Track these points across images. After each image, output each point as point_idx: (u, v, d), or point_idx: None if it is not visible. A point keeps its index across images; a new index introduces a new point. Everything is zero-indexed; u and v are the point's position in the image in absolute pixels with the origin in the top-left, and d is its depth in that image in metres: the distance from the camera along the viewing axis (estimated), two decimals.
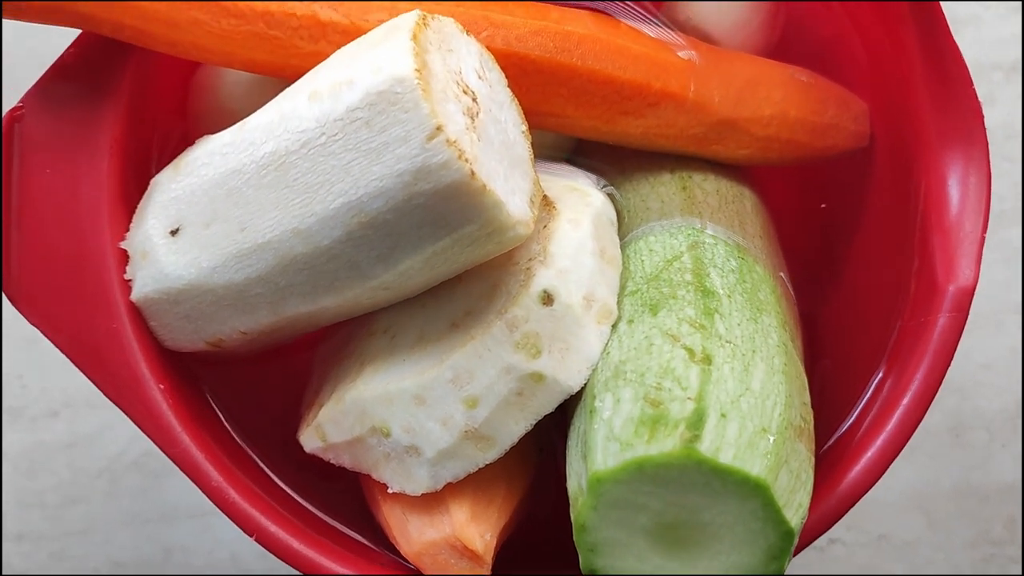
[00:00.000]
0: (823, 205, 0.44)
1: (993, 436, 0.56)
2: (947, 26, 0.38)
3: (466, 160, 0.31)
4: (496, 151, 0.34)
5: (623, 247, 0.39)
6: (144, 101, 0.40)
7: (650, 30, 0.40)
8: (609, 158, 0.42)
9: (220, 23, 0.36)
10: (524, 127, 0.36)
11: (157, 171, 0.39)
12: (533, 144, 0.38)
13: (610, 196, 0.41)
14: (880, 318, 0.40)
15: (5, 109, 0.38)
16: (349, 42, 0.37)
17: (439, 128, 0.30)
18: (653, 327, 0.35)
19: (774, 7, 0.43)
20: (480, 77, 0.34)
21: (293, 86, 0.35)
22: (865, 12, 0.41)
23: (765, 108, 0.41)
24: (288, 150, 0.33)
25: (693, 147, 0.41)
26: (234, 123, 0.40)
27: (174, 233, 0.36)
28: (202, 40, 0.37)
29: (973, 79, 0.62)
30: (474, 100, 0.33)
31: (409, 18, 0.33)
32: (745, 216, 0.41)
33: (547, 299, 0.34)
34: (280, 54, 0.37)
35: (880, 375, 0.37)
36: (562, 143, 0.42)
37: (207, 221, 0.35)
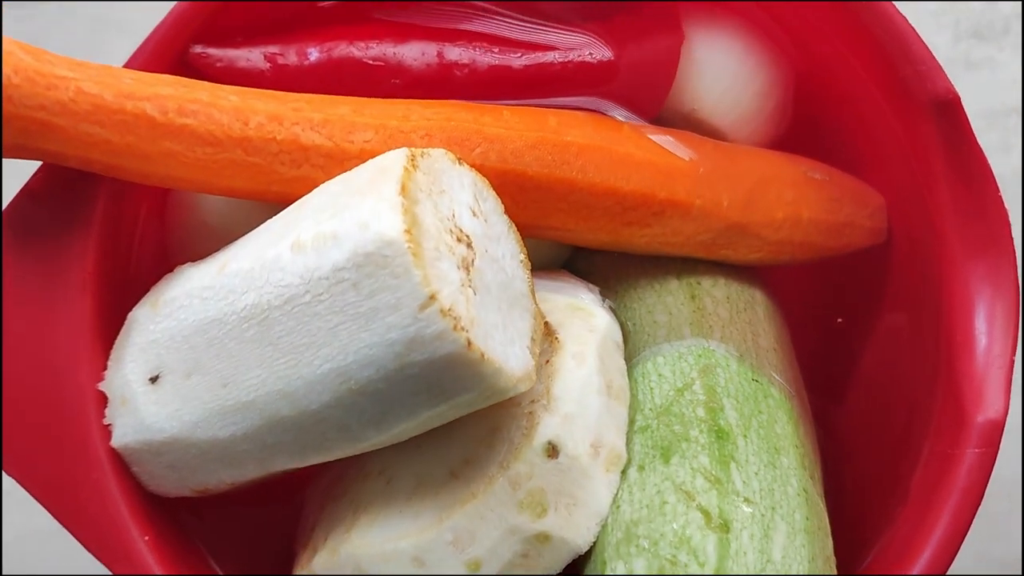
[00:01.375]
0: (839, 320, 0.42)
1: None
2: (970, 127, 0.35)
3: (462, 329, 0.28)
4: (494, 298, 0.31)
5: (631, 368, 0.37)
6: (119, 223, 0.37)
7: (653, 131, 0.38)
8: (612, 264, 0.40)
9: (195, 152, 0.34)
10: (523, 255, 0.34)
11: (136, 296, 0.37)
12: (530, 253, 0.36)
13: (614, 310, 0.39)
14: (900, 429, 0.38)
15: None
16: (333, 165, 0.35)
17: (432, 297, 0.28)
18: (665, 479, 0.33)
19: (784, 95, 0.41)
20: (475, 214, 0.32)
21: (274, 228, 0.32)
22: (882, 104, 0.38)
23: (777, 211, 0.39)
24: (271, 304, 0.31)
25: (701, 252, 0.39)
26: (215, 240, 0.38)
27: (154, 380, 0.34)
28: (176, 171, 0.34)
29: (988, 124, 0.60)
30: (469, 246, 0.31)
31: (397, 160, 0.30)
32: (758, 325, 0.39)
33: (552, 451, 0.32)
34: (261, 180, 0.35)
35: (902, 508, 0.35)
36: (561, 250, 0.40)
37: (188, 371, 0.33)
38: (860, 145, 0.40)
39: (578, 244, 0.39)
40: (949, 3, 0.59)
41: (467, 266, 0.30)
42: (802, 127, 0.41)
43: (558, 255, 0.41)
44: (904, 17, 0.35)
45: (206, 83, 0.34)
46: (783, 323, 0.40)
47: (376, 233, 0.28)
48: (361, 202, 0.30)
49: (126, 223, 0.38)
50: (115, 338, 0.36)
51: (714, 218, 0.38)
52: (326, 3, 0.39)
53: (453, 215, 0.31)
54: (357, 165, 0.34)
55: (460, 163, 0.33)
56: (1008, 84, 0.59)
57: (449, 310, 0.28)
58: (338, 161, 0.35)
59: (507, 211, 0.36)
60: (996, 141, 0.59)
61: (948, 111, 0.35)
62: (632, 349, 0.38)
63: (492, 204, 0.34)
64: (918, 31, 0.37)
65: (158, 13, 0.60)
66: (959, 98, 0.35)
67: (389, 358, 0.29)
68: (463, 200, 0.32)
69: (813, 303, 0.43)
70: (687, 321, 0.38)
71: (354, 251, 0.29)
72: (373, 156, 0.34)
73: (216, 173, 0.34)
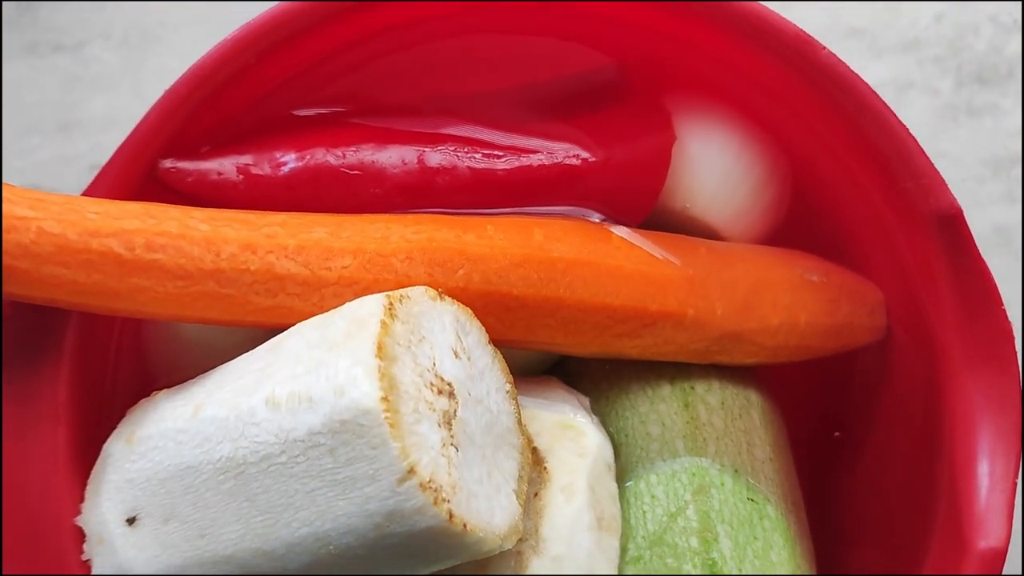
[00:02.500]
0: (836, 434, 0.40)
1: None
2: (973, 242, 0.34)
3: (443, 500, 0.27)
4: (478, 447, 0.30)
5: (623, 486, 0.36)
6: (92, 344, 0.36)
7: (643, 238, 0.36)
8: (604, 366, 0.39)
9: (165, 287, 0.32)
10: (508, 386, 0.33)
11: (116, 415, 0.35)
12: (520, 357, 0.35)
13: (605, 419, 0.38)
14: (900, 541, 0.37)
15: None
16: (310, 293, 0.33)
17: (411, 471, 0.27)
18: None
19: (780, 190, 0.39)
20: (457, 355, 0.31)
21: (249, 372, 0.31)
22: (881, 208, 0.36)
23: (773, 317, 0.37)
24: (246, 460, 0.30)
25: (695, 358, 0.37)
26: (193, 353, 0.37)
27: (131, 522, 0.33)
28: (147, 307, 0.33)
29: (991, 173, 0.58)
30: (451, 395, 0.30)
31: (374, 312, 0.29)
32: (753, 433, 0.38)
33: None
34: (236, 312, 0.33)
35: None
36: (547, 356, 0.39)
37: (165, 516, 0.32)
38: (858, 241, 0.39)
39: (566, 354, 0.37)
40: (951, 46, 0.57)
41: (448, 421, 0.29)
42: (798, 218, 0.40)
43: (548, 356, 0.39)
44: (905, 127, 0.34)
45: (174, 210, 0.33)
46: (780, 425, 0.39)
47: (352, 401, 0.27)
48: (336, 360, 0.28)
49: (99, 343, 0.37)
50: (92, 466, 0.35)
51: (708, 327, 0.37)
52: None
53: (434, 364, 0.30)
54: (335, 291, 0.33)
55: (441, 298, 0.32)
56: (1012, 131, 0.57)
57: (429, 482, 0.27)
58: (315, 288, 0.33)
59: (492, 330, 0.34)
60: (1000, 191, 0.57)
61: (951, 226, 0.33)
62: (624, 463, 0.37)
63: (475, 336, 0.32)
64: (901, 128, 0.35)
65: (132, 69, 0.59)
66: (962, 212, 0.33)
67: (368, 527, 0.28)
68: (445, 343, 0.31)
69: (811, 401, 0.41)
70: (680, 434, 0.37)
71: (329, 417, 0.28)
72: (351, 283, 0.33)
73: (188, 306, 0.33)
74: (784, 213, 0.39)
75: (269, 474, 0.29)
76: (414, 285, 0.34)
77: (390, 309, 0.29)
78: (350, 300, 0.34)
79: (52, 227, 0.31)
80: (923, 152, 0.33)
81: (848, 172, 0.37)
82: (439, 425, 0.29)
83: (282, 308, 0.33)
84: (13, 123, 0.58)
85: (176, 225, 0.33)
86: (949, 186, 0.33)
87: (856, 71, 0.34)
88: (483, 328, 0.33)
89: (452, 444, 0.29)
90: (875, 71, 0.58)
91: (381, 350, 0.28)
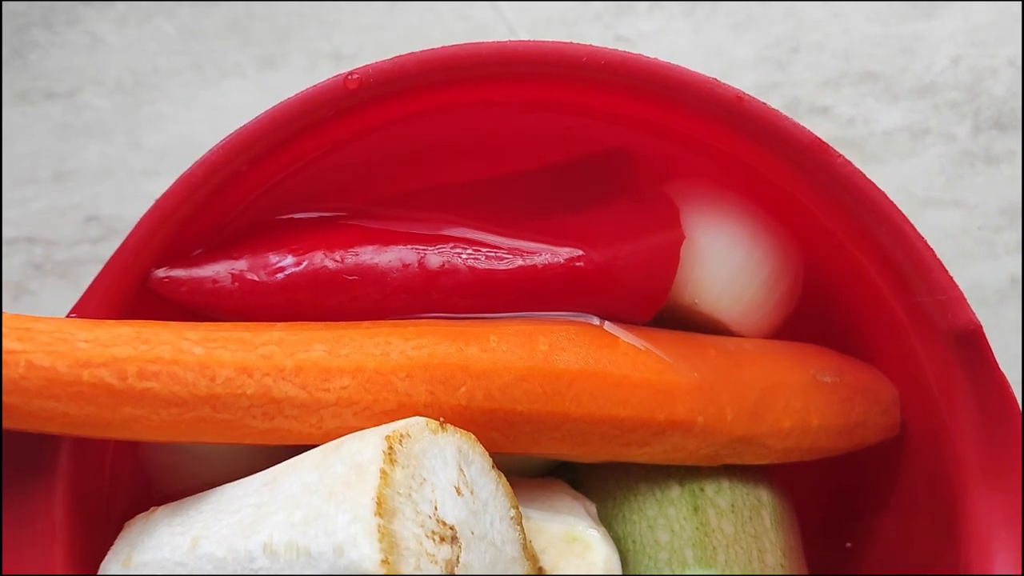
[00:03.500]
0: (848, 544, 0.40)
1: None
2: (993, 358, 0.33)
3: None
4: None
5: None
6: (87, 459, 0.35)
7: (650, 342, 0.35)
8: (610, 467, 0.38)
9: (159, 415, 0.32)
10: (513, 511, 0.32)
11: (115, 527, 0.35)
12: (520, 459, 0.34)
13: (612, 523, 0.37)
14: None
15: None
16: (308, 415, 0.33)
17: None
18: None
19: (793, 282, 0.38)
20: (459, 492, 0.30)
21: (246, 507, 0.30)
22: (898, 313, 0.35)
23: (784, 420, 0.36)
24: None
25: (705, 462, 0.37)
26: (189, 462, 0.36)
27: None
28: (141, 434, 0.32)
29: (1008, 222, 0.56)
30: (453, 540, 0.29)
31: (373, 459, 0.28)
32: (764, 537, 0.37)
33: None
34: (232, 435, 0.32)
35: None
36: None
37: None
38: (872, 338, 0.38)
39: (573, 460, 0.37)
40: (969, 90, 0.55)
41: (451, 568, 0.28)
42: (810, 310, 0.39)
43: (549, 462, 0.38)
44: (923, 240, 0.32)
45: (167, 331, 0.32)
46: (792, 525, 0.38)
47: (351, 562, 0.26)
48: (336, 514, 0.28)
49: (94, 455, 0.36)
50: None
51: (718, 433, 0.36)
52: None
53: (435, 509, 0.29)
54: (334, 412, 0.33)
55: (443, 428, 0.31)
56: None
57: None
58: (313, 410, 0.32)
59: (496, 443, 0.34)
60: (1017, 240, 0.56)
61: (971, 342, 0.32)
62: (632, 573, 0.36)
63: (478, 465, 0.31)
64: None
65: (126, 116, 0.58)
66: (981, 328, 0.32)
67: None
68: (446, 481, 0.30)
69: (821, 495, 0.41)
70: (690, 542, 0.36)
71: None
72: (350, 404, 0.32)
73: (183, 431, 0.32)
74: (795, 306, 0.38)
75: None
76: (415, 403, 0.33)
77: (390, 454, 0.28)
78: (349, 420, 0.33)
79: (41, 360, 0.30)
80: (942, 267, 0.32)
81: (863, 273, 0.35)
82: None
83: (280, 430, 0.33)
84: (7, 172, 0.57)
85: (169, 350, 0.32)
86: (968, 301, 0.32)
87: (872, 180, 0.32)
88: (486, 454, 0.32)
89: None
90: (890, 117, 0.56)
91: (380, 505, 0.27)
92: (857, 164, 0.56)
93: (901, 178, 0.56)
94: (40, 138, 0.58)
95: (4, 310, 0.55)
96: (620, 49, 0.34)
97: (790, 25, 0.57)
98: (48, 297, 0.56)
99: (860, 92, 0.56)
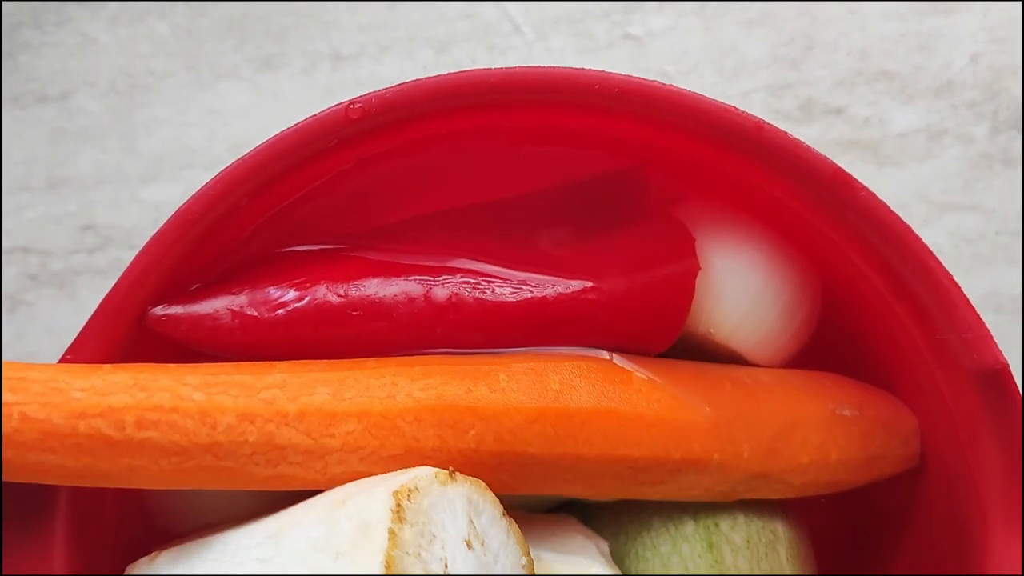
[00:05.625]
0: None
1: None
2: (1019, 395, 0.32)
3: None
4: None
5: None
6: (87, 499, 0.34)
7: (664, 377, 0.34)
8: (623, 504, 0.37)
9: (159, 464, 0.30)
10: (525, 559, 0.31)
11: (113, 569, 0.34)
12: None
13: (624, 560, 0.36)
14: None
15: None
16: (313, 461, 0.32)
17: None
18: None
19: (811, 310, 0.37)
20: (470, 545, 0.29)
21: (247, 563, 0.29)
22: (921, 348, 0.34)
23: (802, 456, 0.35)
24: None
25: (720, 498, 0.36)
26: (192, 501, 0.35)
27: None
28: (140, 483, 0.31)
29: None
30: None
31: (381, 519, 0.27)
32: (780, 571, 0.36)
33: None
34: (235, 482, 0.31)
35: None
36: None
37: None
38: (893, 368, 0.36)
39: (586, 498, 0.36)
40: (988, 89, 0.53)
41: None
42: (829, 333, 0.38)
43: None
44: (950, 275, 0.31)
45: (166, 377, 0.31)
46: (807, 558, 0.37)
47: None
48: (340, 571, 0.27)
49: (94, 497, 0.35)
50: None
51: (733, 470, 0.35)
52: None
53: (445, 567, 0.28)
54: (339, 458, 0.32)
55: (452, 478, 0.30)
56: None
57: None
58: (318, 457, 0.31)
59: (506, 486, 0.33)
60: None
61: (996, 381, 0.31)
62: None
63: (489, 514, 0.30)
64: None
65: (120, 120, 0.56)
66: (1008, 368, 0.31)
67: None
68: (456, 535, 0.29)
69: (837, 526, 0.40)
70: None
71: None
72: (356, 449, 0.31)
73: (184, 480, 0.31)
74: (813, 333, 0.37)
75: None
76: (422, 448, 0.32)
77: (398, 512, 0.27)
78: (355, 466, 0.32)
79: (36, 412, 0.29)
80: (969, 304, 0.31)
81: (884, 305, 0.34)
82: None
83: (284, 476, 0.32)
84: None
85: (168, 397, 0.31)
86: (995, 340, 0.31)
87: (896, 213, 0.31)
88: (497, 502, 0.31)
89: None
90: (906, 117, 0.55)
91: (390, 567, 0.26)
92: (872, 167, 0.56)
93: (917, 181, 0.54)
94: (33, 144, 0.56)
95: (2, 322, 0.54)
96: (632, 75, 0.33)
97: (804, 22, 0.55)
98: (45, 308, 0.55)
99: (876, 91, 0.54)
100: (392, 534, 0.27)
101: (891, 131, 0.54)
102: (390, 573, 0.26)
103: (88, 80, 0.56)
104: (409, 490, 0.28)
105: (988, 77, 0.54)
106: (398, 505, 0.28)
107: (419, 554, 0.27)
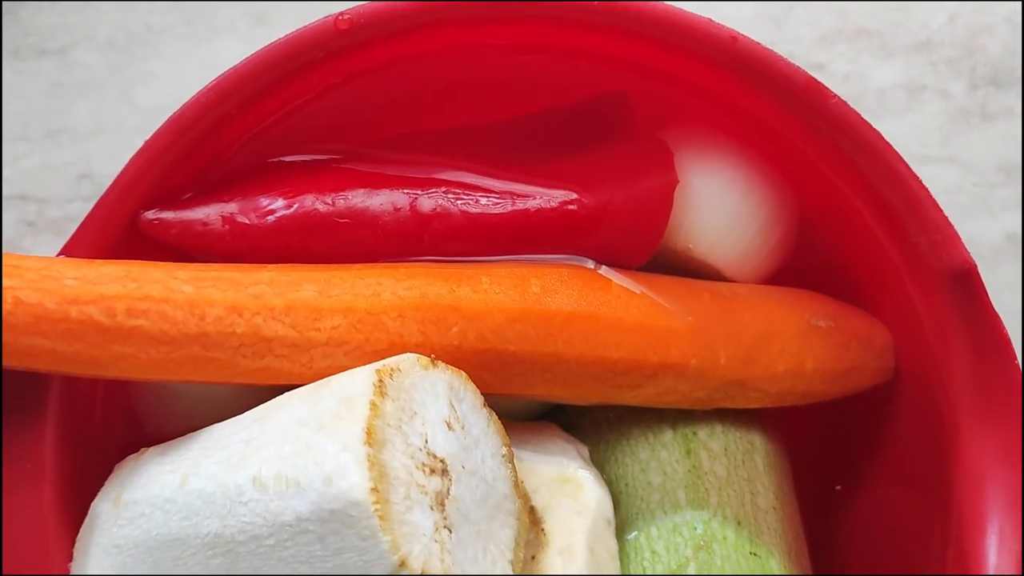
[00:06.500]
0: (838, 487, 0.40)
1: None
2: (987, 297, 0.33)
3: None
4: (472, 523, 0.29)
5: (623, 538, 0.35)
6: (77, 400, 0.35)
7: (644, 286, 0.35)
8: (603, 411, 0.38)
9: (149, 353, 0.31)
10: (505, 449, 0.32)
11: (104, 469, 0.35)
12: (513, 403, 0.34)
13: (605, 467, 0.37)
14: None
15: None
16: (299, 354, 0.32)
17: (403, 563, 0.26)
18: None
19: (788, 230, 0.38)
20: (450, 426, 0.30)
21: (235, 443, 0.30)
22: (893, 257, 0.35)
23: (778, 364, 0.36)
24: (235, 538, 0.29)
25: (698, 406, 0.36)
26: (179, 405, 0.36)
27: None
28: (131, 372, 0.32)
29: (1005, 179, 0.56)
30: (444, 473, 0.29)
31: (364, 392, 0.28)
32: (756, 480, 0.37)
33: None
34: (223, 374, 0.32)
35: None
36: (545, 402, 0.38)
37: None
38: (867, 283, 0.37)
39: (565, 402, 0.37)
40: (965, 47, 0.55)
41: (441, 501, 0.28)
42: (805, 256, 0.38)
43: (542, 404, 0.38)
44: (918, 179, 0.32)
45: (156, 270, 0.32)
46: (784, 469, 0.38)
47: (340, 491, 0.26)
48: (325, 445, 0.27)
49: (84, 397, 0.35)
50: (80, 522, 0.35)
51: (711, 376, 0.35)
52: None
53: (426, 442, 0.29)
54: (324, 352, 0.32)
55: (434, 365, 0.31)
56: None
57: (421, 572, 0.27)
58: (304, 350, 0.32)
59: (488, 384, 0.33)
60: (1012, 197, 0.56)
61: (965, 282, 0.32)
62: (624, 514, 0.36)
63: (470, 402, 0.31)
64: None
65: (117, 73, 0.57)
66: (976, 268, 0.32)
67: None
68: (437, 415, 0.30)
69: (815, 444, 0.40)
70: (682, 484, 0.36)
71: (318, 505, 0.27)
72: (341, 343, 0.32)
73: (173, 370, 0.32)
74: (791, 253, 0.38)
75: (258, 555, 0.28)
76: (406, 343, 0.33)
77: (380, 387, 0.28)
78: (340, 360, 0.33)
79: (29, 296, 0.30)
80: (937, 206, 0.32)
81: (858, 217, 0.35)
82: (431, 508, 0.28)
83: (270, 370, 0.32)
84: None
85: (158, 288, 0.31)
86: (963, 240, 0.32)
87: (868, 121, 0.32)
88: (478, 392, 0.32)
89: (445, 527, 0.28)
90: (885, 73, 0.56)
91: (370, 435, 0.27)
92: None
93: (897, 135, 0.53)
94: (32, 95, 0.57)
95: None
96: None
97: None
98: (42, 254, 0.55)
99: (856, 48, 0.55)
100: (374, 406, 0.28)
101: (871, 87, 0.55)
102: (371, 441, 0.27)
103: (87, 34, 0.57)
104: (392, 369, 0.29)
105: (965, 36, 0.55)
106: (380, 381, 0.28)
107: (400, 427, 0.28)
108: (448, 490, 0.29)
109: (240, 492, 0.29)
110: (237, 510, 0.29)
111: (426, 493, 0.28)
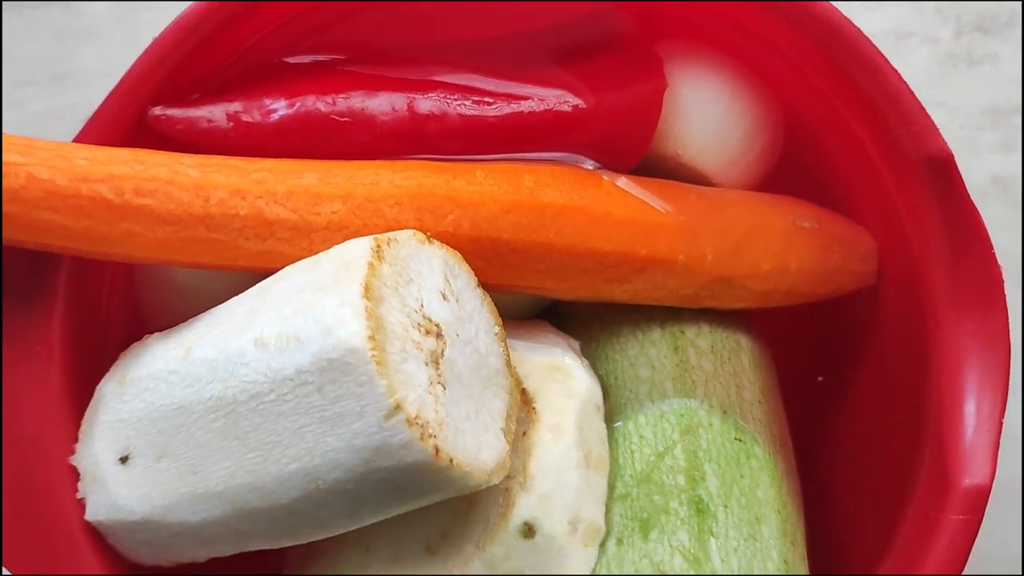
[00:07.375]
0: (820, 378, 0.41)
1: None
2: (964, 187, 0.34)
3: (430, 436, 0.28)
4: (465, 386, 0.31)
5: (611, 426, 0.36)
6: (85, 287, 0.36)
7: (634, 185, 0.36)
8: (595, 308, 0.39)
9: (155, 232, 0.33)
10: (497, 328, 0.33)
11: (109, 358, 0.36)
12: (510, 300, 0.35)
13: (595, 362, 0.38)
14: (886, 482, 0.37)
15: None
16: (299, 238, 0.34)
17: (398, 406, 0.27)
18: (644, 556, 0.32)
19: (773, 136, 0.39)
20: (444, 297, 0.31)
21: (238, 314, 0.31)
22: (873, 155, 0.36)
23: (763, 262, 0.37)
24: (236, 399, 0.30)
25: (685, 303, 0.38)
26: (184, 296, 0.37)
27: (124, 460, 0.33)
28: (137, 251, 0.33)
29: (990, 122, 0.57)
30: (438, 336, 0.30)
31: (362, 254, 0.29)
32: (743, 376, 0.38)
33: (528, 531, 0.32)
34: (226, 256, 0.34)
35: (884, 567, 0.35)
36: (538, 300, 0.39)
37: (157, 455, 0.32)
38: (850, 188, 0.39)
39: (556, 298, 0.38)
40: None
41: (436, 360, 0.29)
42: (790, 164, 0.40)
43: (539, 300, 0.40)
44: (896, 71, 0.33)
45: (163, 155, 0.33)
46: (769, 369, 0.39)
47: (339, 340, 0.28)
48: (324, 301, 0.29)
49: (92, 286, 0.37)
50: (86, 406, 0.36)
51: (698, 272, 0.37)
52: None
53: (421, 306, 0.30)
54: (324, 236, 0.34)
55: (429, 242, 0.32)
56: (1012, 80, 0.56)
57: (416, 418, 0.28)
58: (304, 233, 0.33)
59: (481, 274, 0.35)
60: (999, 140, 0.57)
61: (942, 171, 0.33)
62: (613, 405, 0.37)
63: (464, 279, 0.32)
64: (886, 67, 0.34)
65: (124, 20, 0.59)
66: (953, 157, 0.33)
67: (356, 462, 0.28)
68: (432, 285, 0.31)
69: (800, 344, 0.42)
70: (670, 376, 0.37)
71: (317, 356, 0.28)
72: (340, 228, 0.34)
73: (178, 251, 0.33)
74: (776, 160, 0.39)
75: (259, 412, 0.30)
76: (403, 229, 0.34)
77: (378, 252, 0.29)
78: (339, 244, 0.34)
79: (41, 173, 0.31)
80: (914, 97, 0.33)
81: (840, 120, 0.36)
82: (426, 364, 0.29)
83: (272, 253, 0.34)
84: (6, 74, 0.58)
85: (165, 171, 0.33)
86: (940, 131, 0.33)
87: (847, 16, 0.33)
88: (472, 271, 0.33)
89: (439, 383, 0.29)
90: (874, 20, 0.57)
91: (368, 291, 0.28)
92: None
93: None
94: (39, 40, 0.58)
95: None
96: None
97: None
98: None
99: None
100: (372, 266, 0.29)
101: None
102: (369, 295, 0.28)
103: None
104: (389, 239, 0.30)
105: None
106: (378, 247, 0.30)
107: (396, 289, 0.29)
108: (443, 351, 0.30)
109: (242, 354, 0.30)
110: (239, 371, 0.30)
111: (421, 350, 0.29)
